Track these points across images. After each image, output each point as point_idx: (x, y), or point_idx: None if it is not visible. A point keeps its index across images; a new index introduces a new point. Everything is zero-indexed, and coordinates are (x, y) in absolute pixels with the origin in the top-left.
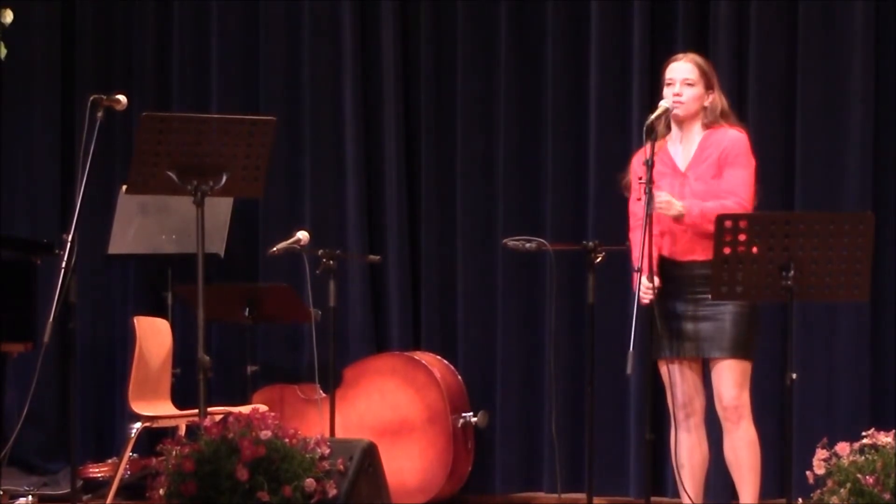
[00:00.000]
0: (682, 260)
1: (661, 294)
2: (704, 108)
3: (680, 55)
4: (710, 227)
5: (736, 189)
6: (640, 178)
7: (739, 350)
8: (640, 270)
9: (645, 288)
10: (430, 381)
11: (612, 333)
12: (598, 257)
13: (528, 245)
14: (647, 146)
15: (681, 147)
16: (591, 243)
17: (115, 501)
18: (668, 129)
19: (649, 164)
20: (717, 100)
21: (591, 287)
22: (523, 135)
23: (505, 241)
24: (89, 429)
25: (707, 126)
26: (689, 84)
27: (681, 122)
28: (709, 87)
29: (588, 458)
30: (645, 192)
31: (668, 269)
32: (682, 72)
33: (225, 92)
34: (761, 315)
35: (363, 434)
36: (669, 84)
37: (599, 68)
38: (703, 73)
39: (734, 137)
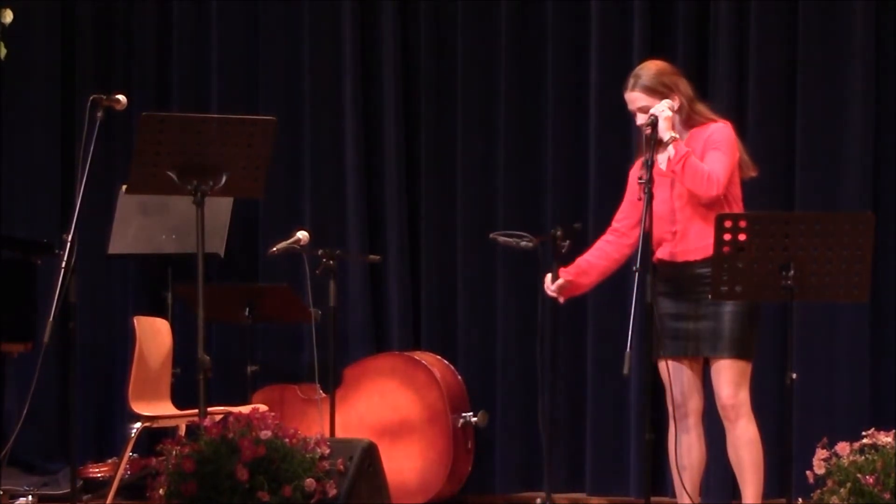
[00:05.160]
0: (681, 260)
1: (662, 294)
2: (676, 111)
3: (626, 83)
4: (689, 183)
5: (714, 166)
6: (640, 178)
7: (737, 350)
8: (638, 270)
9: (550, 285)
10: (430, 381)
11: (612, 333)
12: (563, 247)
13: (522, 243)
14: (646, 146)
15: (667, 153)
16: (558, 231)
17: (115, 501)
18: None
19: (649, 164)
20: (680, 98)
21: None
22: (523, 135)
23: (492, 235)
24: (89, 429)
25: (690, 126)
26: (644, 110)
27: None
28: (667, 95)
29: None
30: (644, 192)
31: (667, 268)
32: (633, 102)
33: (225, 92)
34: (762, 314)
35: (363, 434)
36: (633, 114)
37: (599, 68)
38: (650, 90)
39: (717, 127)
